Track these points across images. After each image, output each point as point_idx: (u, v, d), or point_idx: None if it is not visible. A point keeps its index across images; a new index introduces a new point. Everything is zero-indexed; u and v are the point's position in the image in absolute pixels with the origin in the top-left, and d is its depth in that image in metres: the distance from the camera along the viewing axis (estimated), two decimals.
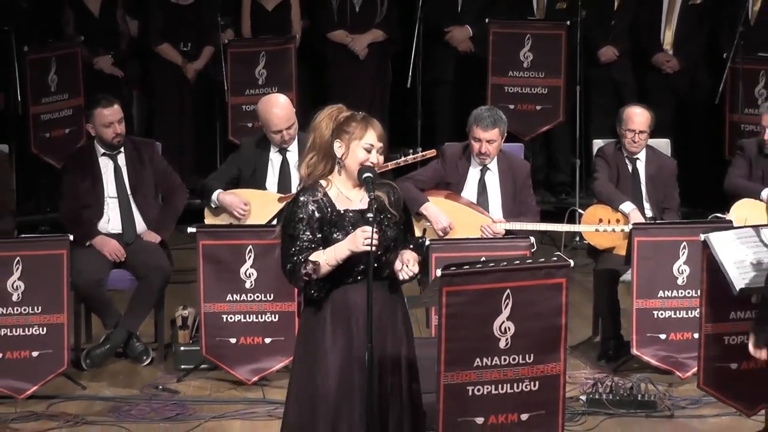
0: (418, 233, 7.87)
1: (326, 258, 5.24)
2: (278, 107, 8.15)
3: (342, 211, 5.31)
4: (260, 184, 8.23)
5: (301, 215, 5.29)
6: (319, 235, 5.29)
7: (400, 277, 5.30)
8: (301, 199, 5.32)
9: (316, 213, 5.29)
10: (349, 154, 5.30)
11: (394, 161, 8.29)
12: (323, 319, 5.36)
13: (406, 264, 5.28)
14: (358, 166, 5.29)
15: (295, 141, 8.20)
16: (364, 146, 5.29)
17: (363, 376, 5.26)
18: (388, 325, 5.36)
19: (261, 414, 7.35)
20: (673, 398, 7.50)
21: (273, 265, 7.55)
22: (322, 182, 5.35)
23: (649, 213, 8.39)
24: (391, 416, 5.36)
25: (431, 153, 8.37)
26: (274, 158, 8.25)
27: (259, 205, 8.10)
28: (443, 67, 10.83)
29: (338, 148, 5.31)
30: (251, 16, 10.76)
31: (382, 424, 5.35)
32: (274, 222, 8.04)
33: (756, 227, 6.40)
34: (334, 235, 5.28)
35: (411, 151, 8.61)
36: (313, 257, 5.25)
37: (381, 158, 5.35)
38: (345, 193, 5.33)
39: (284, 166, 8.24)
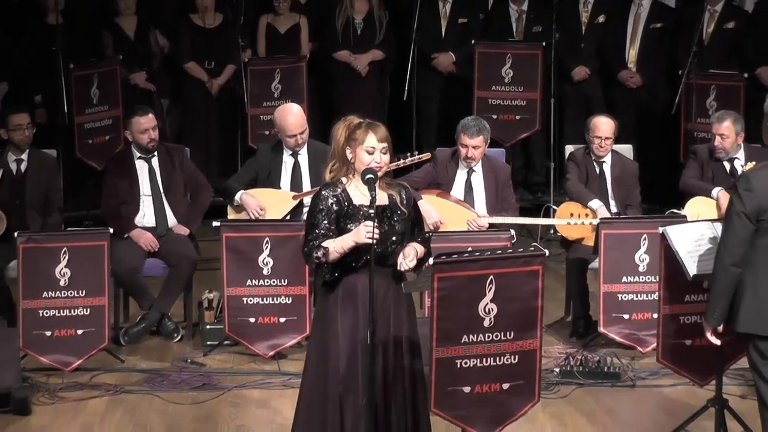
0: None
1: (335, 246, 5.26)
2: (292, 115, 8.17)
3: (357, 206, 5.32)
4: (275, 184, 8.22)
5: (321, 207, 5.32)
6: (335, 225, 5.31)
7: (399, 268, 5.30)
8: (323, 193, 5.35)
9: (334, 206, 5.32)
10: (356, 159, 5.32)
11: (395, 163, 8.30)
12: (335, 302, 5.38)
13: (406, 257, 5.30)
14: (363, 168, 5.30)
15: (306, 145, 8.21)
16: (367, 149, 5.30)
17: (366, 354, 5.26)
18: (390, 307, 5.37)
19: (276, 384, 7.36)
20: (635, 370, 7.51)
21: (287, 254, 7.60)
22: (343, 179, 5.38)
23: (614, 209, 8.39)
24: (396, 389, 5.38)
25: (426, 156, 8.38)
26: (287, 161, 8.24)
27: (276, 203, 8.11)
28: (432, 84, 10.83)
29: (349, 154, 5.33)
30: (266, 37, 10.76)
31: (386, 397, 5.36)
32: (288, 217, 8.07)
33: (707, 221, 6.42)
34: (348, 226, 5.30)
35: (409, 154, 8.61)
36: (325, 244, 5.26)
37: (386, 157, 5.35)
38: (361, 190, 5.33)
39: (296, 167, 8.24)
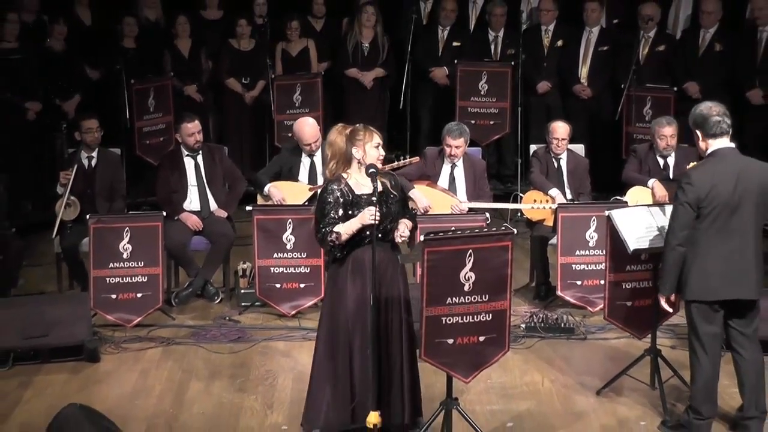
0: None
1: (344, 230, 5.28)
2: (308, 126, 8.15)
3: (359, 195, 5.34)
4: (295, 177, 8.22)
5: (330, 199, 5.33)
6: (341, 213, 5.32)
7: (396, 240, 5.39)
8: (330, 187, 5.36)
9: (340, 198, 5.32)
10: (366, 154, 5.34)
11: (390, 165, 8.25)
12: (345, 271, 5.42)
13: (400, 231, 5.37)
14: (375, 160, 5.33)
15: (319, 150, 8.17)
16: (375, 145, 5.36)
17: (370, 312, 5.27)
18: (388, 275, 5.42)
19: (297, 337, 7.34)
20: (586, 326, 7.49)
21: (306, 233, 7.56)
22: (344, 175, 5.39)
23: (569, 196, 8.34)
24: (392, 340, 5.43)
25: (416, 160, 8.35)
26: (305, 161, 8.22)
27: (296, 193, 8.08)
28: (423, 96, 10.78)
29: (356, 152, 5.34)
30: (281, 59, 10.70)
31: (387, 345, 5.42)
32: (306, 203, 8.03)
33: (644, 206, 6.39)
34: (355, 212, 5.32)
35: (402, 157, 8.58)
36: (336, 229, 5.28)
37: (383, 152, 5.42)
38: (361, 182, 5.35)
39: (312, 166, 8.22)
